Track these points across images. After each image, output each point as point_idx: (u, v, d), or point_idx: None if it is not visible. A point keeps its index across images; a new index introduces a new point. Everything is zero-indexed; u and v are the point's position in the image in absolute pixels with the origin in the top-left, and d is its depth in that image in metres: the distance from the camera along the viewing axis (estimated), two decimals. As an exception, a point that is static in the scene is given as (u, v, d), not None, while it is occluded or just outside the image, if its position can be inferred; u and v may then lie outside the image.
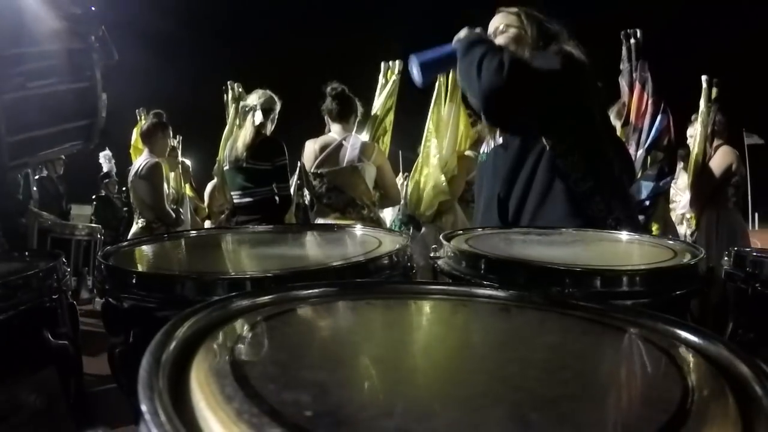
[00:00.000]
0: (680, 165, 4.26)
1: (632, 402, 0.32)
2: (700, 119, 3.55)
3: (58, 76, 1.77)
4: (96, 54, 1.84)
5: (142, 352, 0.29)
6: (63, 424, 0.71)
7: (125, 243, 0.86)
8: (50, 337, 0.71)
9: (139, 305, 0.61)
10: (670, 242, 0.88)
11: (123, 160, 5.70)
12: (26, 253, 0.93)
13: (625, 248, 0.91)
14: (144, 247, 0.85)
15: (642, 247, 0.91)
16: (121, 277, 0.65)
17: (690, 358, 0.36)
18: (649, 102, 3.48)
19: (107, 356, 0.64)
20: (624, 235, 0.96)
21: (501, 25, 1.52)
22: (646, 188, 3.40)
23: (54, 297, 0.74)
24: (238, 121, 3.02)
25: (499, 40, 1.48)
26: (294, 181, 3.82)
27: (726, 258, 0.81)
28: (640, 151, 3.45)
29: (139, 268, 0.70)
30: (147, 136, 3.68)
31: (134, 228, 3.68)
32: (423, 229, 2.94)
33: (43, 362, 0.69)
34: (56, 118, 1.82)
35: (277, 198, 2.74)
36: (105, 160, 6.69)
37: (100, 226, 4.85)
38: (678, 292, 0.66)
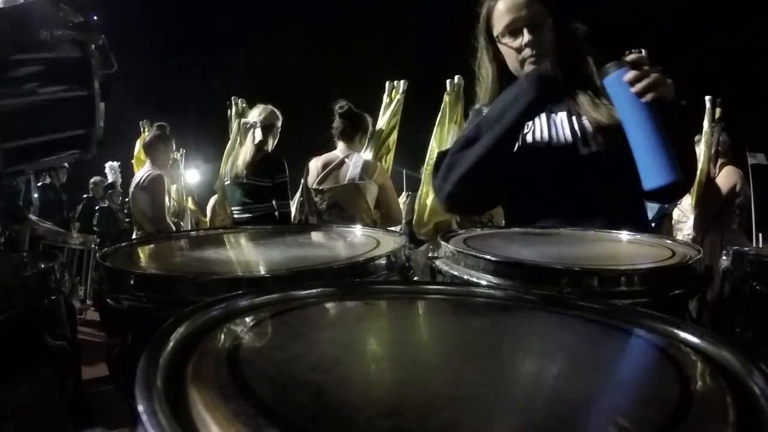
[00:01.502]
0: None
1: (631, 401, 0.32)
2: (703, 139, 3.53)
3: (56, 84, 1.76)
4: (95, 63, 1.83)
5: (141, 352, 0.29)
6: (61, 425, 0.71)
7: (124, 244, 0.86)
8: (48, 338, 0.70)
9: (138, 306, 0.61)
10: (669, 242, 0.88)
11: (127, 171, 5.72)
12: (24, 255, 0.93)
13: (624, 248, 0.91)
14: (143, 248, 0.84)
15: (641, 247, 0.91)
16: (120, 278, 0.65)
17: (688, 357, 0.36)
18: None
19: (105, 357, 0.64)
20: (623, 235, 0.96)
21: (536, 17, 1.26)
22: (651, 209, 3.37)
23: (52, 298, 0.74)
24: (239, 138, 3.03)
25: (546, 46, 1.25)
26: (297, 198, 3.81)
27: (724, 257, 0.81)
28: None
29: (138, 269, 0.70)
30: (149, 148, 3.69)
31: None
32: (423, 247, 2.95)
33: (41, 363, 0.69)
34: (53, 126, 1.80)
35: (277, 214, 2.75)
36: (111, 171, 6.71)
37: (94, 236, 4.86)
38: (677, 292, 0.66)
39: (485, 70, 1.44)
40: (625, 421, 0.28)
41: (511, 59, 1.34)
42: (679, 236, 3.97)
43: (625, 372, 0.37)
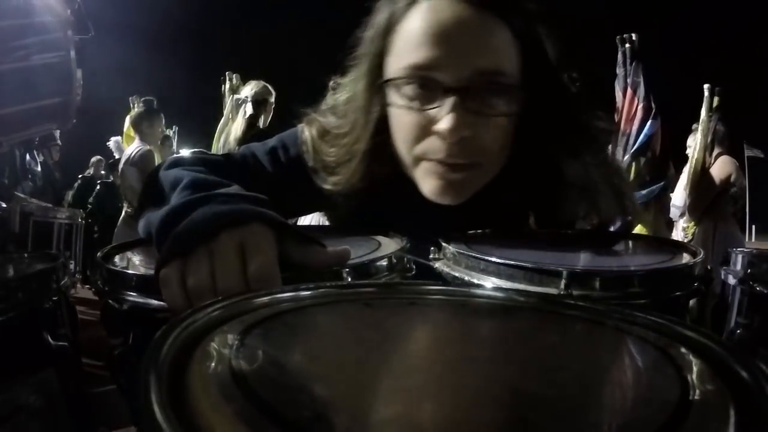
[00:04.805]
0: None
1: (630, 402, 0.32)
2: (700, 128, 3.55)
3: (30, 51, 1.70)
4: (71, 29, 1.76)
5: (142, 353, 0.29)
6: (62, 426, 0.71)
7: (125, 243, 0.86)
8: (50, 338, 0.71)
9: (139, 307, 0.61)
10: (669, 243, 0.88)
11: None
12: (25, 255, 0.93)
13: (624, 250, 0.91)
14: (144, 248, 0.85)
15: (641, 249, 0.91)
16: (121, 279, 0.65)
17: (688, 358, 0.36)
18: (639, 107, 3.47)
19: (106, 358, 0.64)
20: (623, 237, 0.96)
21: (490, 68, 0.70)
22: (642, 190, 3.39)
23: (54, 299, 0.74)
24: (231, 114, 3.01)
25: None
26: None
27: (724, 258, 0.81)
28: (626, 157, 3.44)
29: (140, 270, 0.70)
30: (136, 124, 3.72)
31: (123, 215, 3.69)
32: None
33: (42, 363, 0.69)
34: (27, 95, 1.74)
35: None
36: (115, 146, 6.66)
37: (81, 210, 4.83)
38: (677, 293, 0.66)
39: (347, 121, 0.82)
40: (624, 421, 0.29)
41: (402, 136, 0.75)
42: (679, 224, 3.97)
43: (624, 373, 0.37)
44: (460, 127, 0.68)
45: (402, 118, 0.74)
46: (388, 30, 0.74)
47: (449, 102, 0.68)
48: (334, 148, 0.83)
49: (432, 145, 0.72)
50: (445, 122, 0.68)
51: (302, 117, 0.90)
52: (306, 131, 0.88)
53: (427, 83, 0.70)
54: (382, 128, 0.78)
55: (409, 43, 0.70)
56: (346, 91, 0.84)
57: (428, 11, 0.69)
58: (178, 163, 0.80)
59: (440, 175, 0.74)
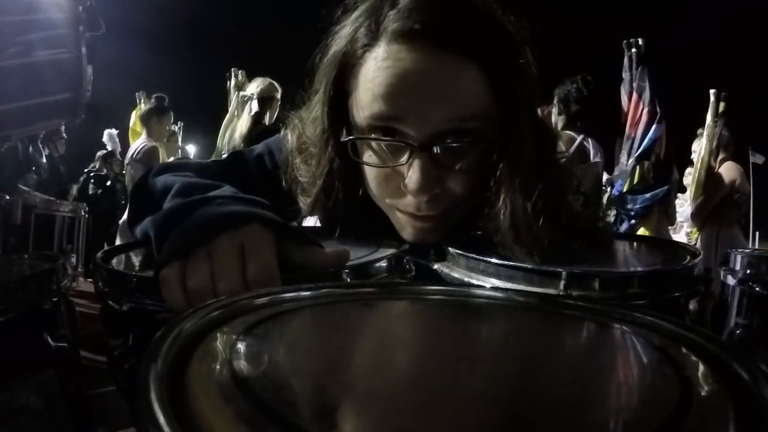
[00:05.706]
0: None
1: (630, 402, 0.32)
2: (705, 132, 3.56)
3: (42, 47, 1.70)
4: (82, 25, 1.77)
5: (142, 354, 0.29)
6: (62, 426, 0.71)
7: (125, 245, 0.86)
8: (50, 339, 0.71)
9: (139, 308, 0.61)
10: (668, 244, 0.89)
11: (125, 143, 5.70)
12: (25, 256, 0.93)
13: (624, 250, 0.91)
14: (144, 249, 0.85)
15: (640, 249, 0.91)
16: (121, 280, 0.65)
17: (688, 358, 0.36)
18: (645, 111, 3.47)
19: (106, 359, 0.64)
20: (622, 237, 0.96)
21: (460, 118, 0.67)
22: (632, 201, 3.40)
23: (53, 299, 0.74)
24: (237, 111, 3.01)
25: None
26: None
27: (723, 259, 0.81)
28: (631, 161, 3.43)
29: (139, 271, 0.70)
30: (144, 119, 3.73)
31: (127, 212, 3.69)
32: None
33: (42, 364, 0.69)
34: (39, 89, 1.75)
35: None
36: (109, 139, 6.60)
37: (84, 203, 4.80)
38: (676, 294, 0.66)
39: (313, 146, 0.78)
40: (624, 421, 0.29)
41: (372, 186, 0.75)
42: (682, 229, 3.97)
43: (624, 373, 0.37)
44: (430, 186, 0.68)
45: (370, 171, 0.74)
46: (344, 75, 0.71)
47: (416, 160, 0.67)
48: (306, 166, 0.80)
49: (402, 199, 0.72)
50: (413, 182, 0.67)
51: (287, 120, 0.87)
52: (288, 138, 0.85)
53: (392, 138, 0.68)
54: (347, 168, 0.76)
55: (369, 93, 0.66)
56: (311, 119, 0.80)
57: (387, 59, 0.64)
58: (168, 168, 0.80)
59: (413, 225, 0.75)
